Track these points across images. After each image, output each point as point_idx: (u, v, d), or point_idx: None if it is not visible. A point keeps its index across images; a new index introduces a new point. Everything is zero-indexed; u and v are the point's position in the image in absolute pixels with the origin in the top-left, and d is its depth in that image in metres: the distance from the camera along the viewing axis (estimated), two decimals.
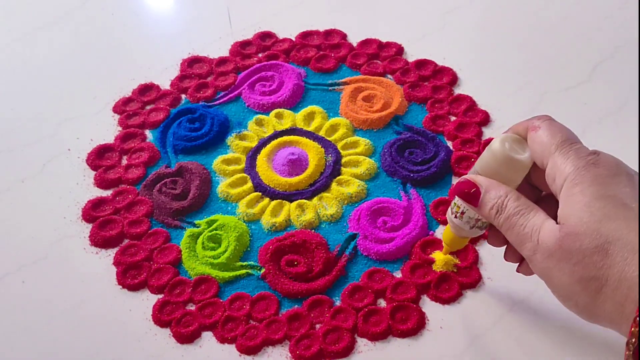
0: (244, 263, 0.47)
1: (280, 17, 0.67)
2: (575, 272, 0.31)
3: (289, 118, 0.57)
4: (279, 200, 0.51)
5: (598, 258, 0.30)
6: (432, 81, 0.59)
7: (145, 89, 0.60)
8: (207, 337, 0.44)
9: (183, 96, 0.60)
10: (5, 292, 0.47)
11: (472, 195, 0.36)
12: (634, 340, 0.28)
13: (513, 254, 0.38)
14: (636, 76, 0.58)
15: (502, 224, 0.35)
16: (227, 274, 0.46)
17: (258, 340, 0.43)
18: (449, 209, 0.39)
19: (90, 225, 0.50)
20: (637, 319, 0.28)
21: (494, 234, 0.38)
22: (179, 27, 0.68)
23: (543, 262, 0.32)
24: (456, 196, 0.37)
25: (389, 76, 0.60)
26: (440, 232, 0.48)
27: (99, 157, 0.55)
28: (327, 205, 0.50)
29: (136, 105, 0.59)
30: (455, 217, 0.38)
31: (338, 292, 0.45)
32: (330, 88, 0.59)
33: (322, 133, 0.55)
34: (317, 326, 0.43)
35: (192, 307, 0.45)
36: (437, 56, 0.61)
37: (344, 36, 0.64)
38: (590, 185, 0.31)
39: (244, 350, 0.43)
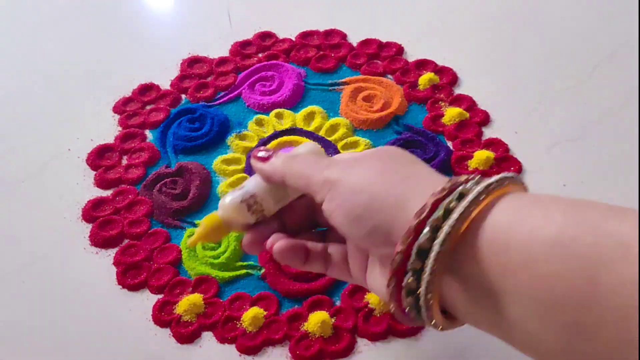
0: (244, 263, 0.47)
1: (280, 17, 0.67)
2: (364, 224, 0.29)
3: (289, 118, 0.57)
4: None
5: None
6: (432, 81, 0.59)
7: (145, 89, 0.60)
8: (207, 337, 0.44)
9: (183, 96, 0.60)
10: (5, 292, 0.47)
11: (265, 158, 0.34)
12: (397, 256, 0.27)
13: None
14: (636, 76, 0.58)
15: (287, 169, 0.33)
16: (227, 274, 0.46)
17: (258, 340, 0.43)
18: (238, 195, 0.34)
19: (90, 225, 0.50)
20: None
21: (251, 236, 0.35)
22: (179, 27, 0.68)
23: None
24: (250, 183, 0.35)
25: (389, 76, 0.60)
26: None
27: (99, 157, 0.55)
28: None
29: (136, 105, 0.59)
30: (242, 201, 0.34)
31: (338, 292, 0.45)
32: (330, 88, 0.59)
33: (322, 133, 0.55)
34: None
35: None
36: (437, 56, 0.61)
37: (344, 36, 0.64)
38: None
39: (244, 350, 0.43)
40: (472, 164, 0.52)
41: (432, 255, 0.26)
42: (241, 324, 0.44)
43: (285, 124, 0.56)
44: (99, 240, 0.49)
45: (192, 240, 0.35)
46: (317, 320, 0.43)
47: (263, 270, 0.46)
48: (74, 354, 0.43)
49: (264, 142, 0.55)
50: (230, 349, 0.43)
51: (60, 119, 0.58)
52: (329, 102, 0.58)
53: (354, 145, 0.54)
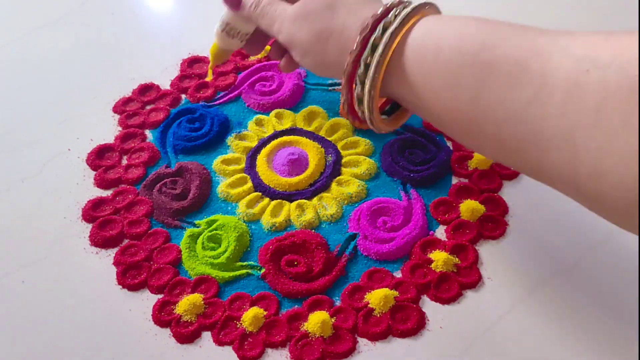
0: (244, 263, 0.47)
1: None
2: (312, 29, 0.40)
3: (289, 118, 0.57)
4: (279, 200, 0.51)
5: (328, 13, 0.40)
6: None
7: (145, 89, 0.60)
8: (207, 337, 0.44)
9: (183, 96, 0.60)
10: (5, 292, 0.47)
11: (236, 1, 0.46)
12: (349, 60, 0.38)
13: (277, 52, 0.48)
14: None
15: (258, 14, 0.44)
16: (227, 274, 0.46)
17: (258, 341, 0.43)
18: (218, 26, 0.48)
19: (90, 225, 0.50)
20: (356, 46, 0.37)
21: (274, 49, 0.48)
22: (179, 27, 0.68)
23: (289, 28, 0.42)
24: (224, 11, 0.47)
25: None
26: (441, 232, 0.48)
27: (99, 157, 0.55)
28: (327, 205, 0.50)
29: (136, 105, 0.59)
30: (222, 30, 0.48)
31: (338, 292, 0.45)
32: (330, 88, 0.59)
33: (322, 133, 0.55)
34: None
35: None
36: None
37: None
38: None
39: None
40: (472, 164, 0.52)
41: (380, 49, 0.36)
42: (241, 324, 0.44)
43: (285, 124, 0.56)
44: (99, 240, 0.49)
45: (210, 67, 0.53)
46: (317, 320, 0.43)
47: (263, 270, 0.46)
48: (74, 354, 0.43)
49: (264, 142, 0.55)
50: (230, 349, 0.43)
51: (60, 119, 0.58)
52: (329, 102, 0.58)
53: (354, 145, 0.54)
